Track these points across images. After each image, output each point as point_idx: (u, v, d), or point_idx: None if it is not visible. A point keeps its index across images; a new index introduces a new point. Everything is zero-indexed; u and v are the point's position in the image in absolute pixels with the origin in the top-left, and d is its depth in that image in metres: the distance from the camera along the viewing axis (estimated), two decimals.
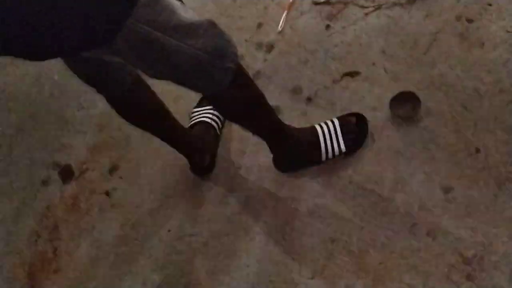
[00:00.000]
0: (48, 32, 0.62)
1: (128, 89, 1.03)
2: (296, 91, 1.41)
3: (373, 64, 1.34)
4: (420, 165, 1.16)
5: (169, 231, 1.37)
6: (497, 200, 1.06)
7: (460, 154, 1.14)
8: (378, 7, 1.42)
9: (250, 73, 1.48)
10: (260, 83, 1.45)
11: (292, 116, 1.37)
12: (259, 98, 1.04)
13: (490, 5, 1.31)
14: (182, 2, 0.79)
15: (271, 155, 1.30)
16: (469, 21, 1.30)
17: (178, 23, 0.74)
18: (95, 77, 0.97)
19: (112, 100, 1.07)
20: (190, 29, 0.77)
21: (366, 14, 1.42)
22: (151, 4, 0.70)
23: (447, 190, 1.11)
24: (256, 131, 1.17)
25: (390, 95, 1.25)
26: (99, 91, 1.03)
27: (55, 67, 1.76)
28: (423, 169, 1.16)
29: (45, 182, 1.66)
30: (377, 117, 1.26)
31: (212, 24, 0.81)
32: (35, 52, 0.67)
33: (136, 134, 1.53)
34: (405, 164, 1.18)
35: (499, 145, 1.12)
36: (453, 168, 1.13)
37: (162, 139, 1.29)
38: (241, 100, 0.96)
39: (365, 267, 1.11)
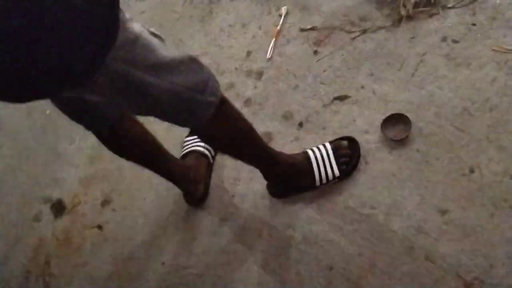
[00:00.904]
0: (24, 73, 0.60)
1: (115, 124, 1.02)
2: (287, 116, 1.41)
3: (362, 87, 1.35)
4: (414, 187, 1.15)
5: (163, 264, 1.34)
6: (494, 221, 1.05)
7: (454, 174, 1.13)
8: (364, 32, 1.43)
9: (241, 100, 1.50)
10: (251, 110, 1.46)
11: (284, 142, 1.37)
12: (245, 128, 1.03)
13: (474, 24, 1.32)
14: (161, 38, 0.78)
15: (265, 182, 1.29)
16: (455, 41, 1.31)
17: (157, 61, 0.74)
18: (80, 114, 0.97)
19: (101, 136, 1.07)
20: (170, 66, 0.77)
21: (353, 38, 1.44)
22: (130, 43, 0.70)
23: (443, 212, 1.10)
24: (246, 161, 1.16)
25: (380, 118, 1.25)
26: (87, 127, 1.03)
27: (47, 101, 1.77)
28: (418, 191, 1.14)
29: (36, 218, 1.63)
30: (369, 140, 1.26)
31: (192, 60, 0.81)
32: (11, 95, 0.65)
33: (128, 165, 1.52)
34: (400, 187, 1.17)
35: (493, 164, 1.11)
36: (448, 189, 1.12)
37: (154, 172, 1.27)
38: (226, 132, 0.95)
39: None
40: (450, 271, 1.03)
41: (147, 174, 1.36)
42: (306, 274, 1.16)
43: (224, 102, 0.90)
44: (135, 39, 0.71)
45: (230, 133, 0.97)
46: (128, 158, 1.18)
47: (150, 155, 1.20)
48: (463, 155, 1.15)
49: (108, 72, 0.68)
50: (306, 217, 1.23)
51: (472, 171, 1.12)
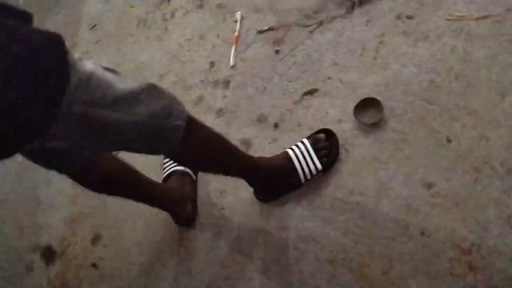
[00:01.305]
0: None
1: (87, 163, 0.99)
2: (261, 120, 1.41)
3: (329, 78, 1.35)
4: (397, 166, 1.16)
5: None
6: (479, 185, 1.06)
7: (432, 147, 1.15)
8: (320, 23, 1.44)
9: (213, 112, 1.49)
10: (224, 120, 1.45)
11: (263, 146, 1.36)
12: (219, 143, 1.02)
13: None
14: (115, 72, 0.76)
15: (252, 189, 1.28)
16: (409, 17, 1.33)
17: (116, 95, 0.72)
18: (48, 160, 0.94)
19: (75, 177, 1.04)
20: (130, 99, 0.75)
21: (311, 32, 1.45)
22: (83, 84, 0.68)
23: (429, 186, 1.11)
24: (228, 174, 1.15)
25: (352, 105, 1.26)
26: (58, 171, 0.99)
27: None
28: (401, 170, 1.15)
29: (28, 268, 1.59)
30: (345, 128, 1.27)
31: (152, 87, 0.80)
32: None
33: (111, 198, 1.49)
34: (383, 169, 1.18)
35: (468, 130, 1.13)
36: (430, 163, 1.13)
37: (139, 201, 1.25)
38: (200, 150, 0.94)
39: (369, 281, 1.09)
40: (446, 242, 1.04)
41: (132, 203, 1.34)
42: (308, 272, 1.16)
43: (192, 122, 0.88)
44: (89, 79, 0.69)
45: (205, 150, 0.96)
46: (109, 193, 1.16)
47: (130, 186, 1.18)
48: (437, 126, 1.16)
49: (68, 117, 0.66)
50: (298, 216, 1.23)
51: (449, 140, 1.14)
